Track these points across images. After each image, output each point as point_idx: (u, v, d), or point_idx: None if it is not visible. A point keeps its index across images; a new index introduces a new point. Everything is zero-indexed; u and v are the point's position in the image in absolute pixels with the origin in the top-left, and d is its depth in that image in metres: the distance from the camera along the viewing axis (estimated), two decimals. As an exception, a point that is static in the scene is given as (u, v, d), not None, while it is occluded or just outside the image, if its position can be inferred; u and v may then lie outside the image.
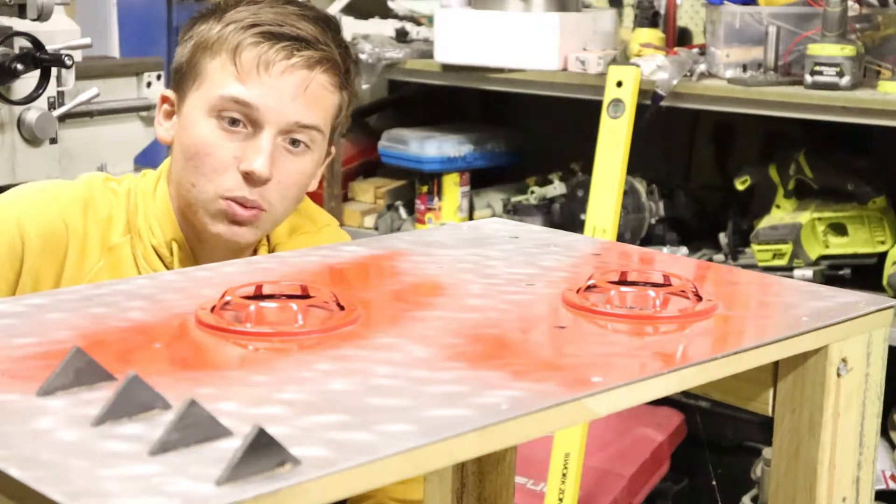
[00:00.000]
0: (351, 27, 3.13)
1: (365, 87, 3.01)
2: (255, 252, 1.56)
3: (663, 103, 2.59)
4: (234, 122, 1.45)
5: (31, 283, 1.45)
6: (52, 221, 1.47)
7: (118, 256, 1.49)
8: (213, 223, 1.47)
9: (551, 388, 0.82)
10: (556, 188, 2.97)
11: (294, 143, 1.47)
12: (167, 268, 1.49)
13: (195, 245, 1.52)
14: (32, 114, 2.34)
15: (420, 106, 3.43)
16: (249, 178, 1.44)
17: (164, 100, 1.54)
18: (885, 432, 2.59)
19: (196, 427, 0.70)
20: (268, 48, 1.44)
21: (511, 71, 2.82)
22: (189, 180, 1.47)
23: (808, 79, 2.43)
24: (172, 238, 1.50)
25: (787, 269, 2.56)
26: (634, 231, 2.80)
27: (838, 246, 2.58)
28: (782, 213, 2.64)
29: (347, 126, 1.59)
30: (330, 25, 1.51)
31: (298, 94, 1.45)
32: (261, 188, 1.45)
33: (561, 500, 2.54)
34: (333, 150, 1.57)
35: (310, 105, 1.46)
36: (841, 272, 2.57)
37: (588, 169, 2.71)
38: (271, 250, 1.58)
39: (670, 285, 1.02)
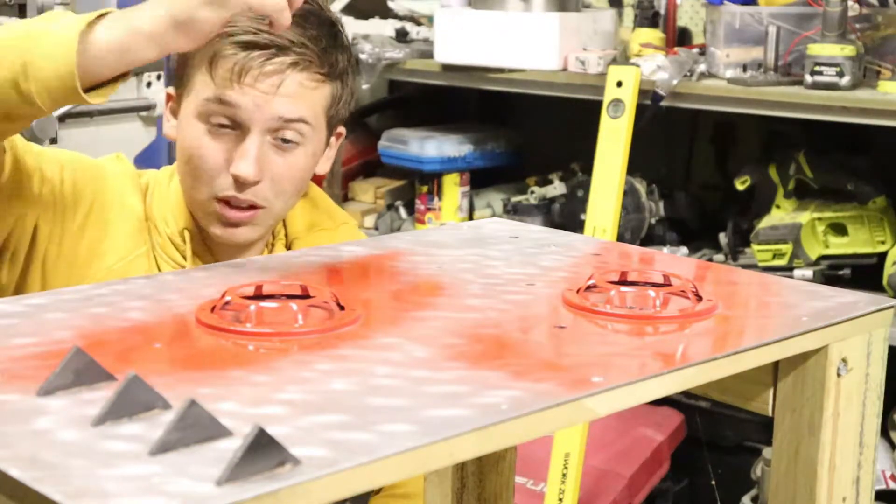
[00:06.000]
0: (351, 27, 3.12)
1: (365, 87, 3.01)
2: (272, 246, 1.58)
3: (663, 103, 2.59)
4: (222, 125, 1.46)
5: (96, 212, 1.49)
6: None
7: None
8: (209, 224, 1.50)
9: (551, 388, 0.82)
10: (556, 188, 2.97)
11: (284, 140, 1.47)
12: (182, 257, 1.51)
13: (207, 235, 1.53)
14: (32, 114, 2.34)
15: (420, 106, 3.43)
16: (238, 181, 1.46)
17: (169, 98, 1.57)
18: (885, 432, 2.59)
19: (196, 427, 0.70)
20: (243, 58, 1.44)
21: (511, 71, 2.82)
22: (187, 182, 1.51)
23: (808, 79, 2.43)
24: (185, 227, 1.52)
25: (787, 269, 2.56)
26: (634, 231, 2.80)
27: (838, 246, 2.58)
28: (782, 213, 2.64)
29: (349, 111, 1.59)
30: (308, 20, 1.48)
31: (275, 91, 1.45)
32: (254, 188, 1.46)
33: (561, 500, 2.54)
34: (343, 129, 1.58)
35: (291, 99, 1.46)
36: (841, 272, 2.57)
37: (588, 169, 2.71)
38: (289, 244, 1.59)
39: (670, 285, 1.02)
